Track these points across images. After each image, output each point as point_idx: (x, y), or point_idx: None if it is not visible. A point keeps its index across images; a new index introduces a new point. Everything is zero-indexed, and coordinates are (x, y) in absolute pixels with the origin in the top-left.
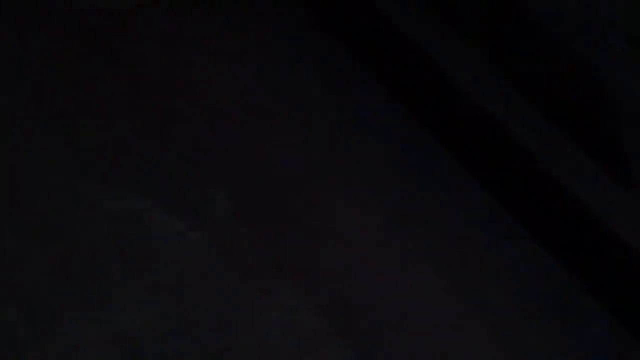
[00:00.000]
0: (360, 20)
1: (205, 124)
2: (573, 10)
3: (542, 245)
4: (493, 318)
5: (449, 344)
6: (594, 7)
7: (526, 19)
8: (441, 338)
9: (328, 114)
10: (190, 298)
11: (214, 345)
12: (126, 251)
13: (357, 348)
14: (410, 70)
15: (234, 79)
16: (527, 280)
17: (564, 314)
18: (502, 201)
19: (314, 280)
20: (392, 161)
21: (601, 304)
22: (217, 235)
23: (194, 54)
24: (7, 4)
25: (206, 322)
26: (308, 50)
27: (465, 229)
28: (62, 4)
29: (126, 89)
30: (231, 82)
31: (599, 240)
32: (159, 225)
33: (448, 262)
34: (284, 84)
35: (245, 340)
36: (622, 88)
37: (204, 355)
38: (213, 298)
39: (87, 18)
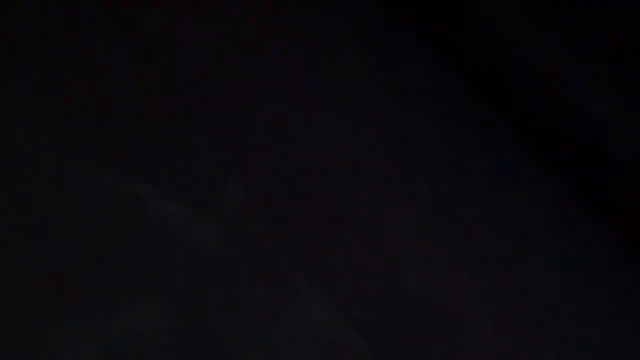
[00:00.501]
0: None
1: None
2: None
3: (624, 247)
4: (551, 323)
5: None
6: None
7: None
8: (504, 345)
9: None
10: (198, 299)
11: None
12: (126, 242)
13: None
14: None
15: (257, 62)
16: (595, 281)
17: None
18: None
19: (343, 282)
20: (432, 138)
21: None
22: (229, 227)
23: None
24: None
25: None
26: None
27: (523, 225)
28: None
29: (134, 63)
30: (255, 67)
31: None
32: (162, 212)
33: (505, 263)
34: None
35: (263, 350)
36: None
37: None
38: (224, 299)
39: None
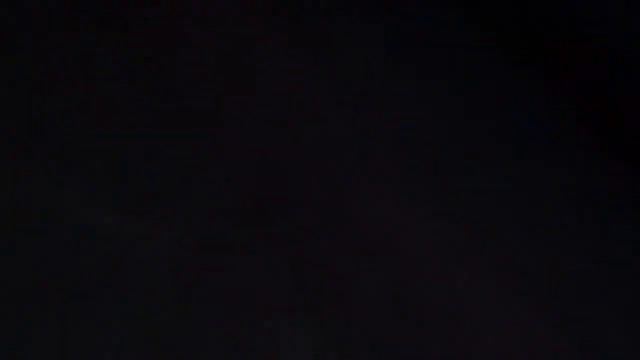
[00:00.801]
0: None
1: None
2: None
3: None
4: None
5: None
6: None
7: None
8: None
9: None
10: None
11: None
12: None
13: None
14: None
15: (256, 62)
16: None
17: None
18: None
19: (347, 310)
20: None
21: None
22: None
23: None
24: None
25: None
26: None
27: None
28: None
29: (133, 63)
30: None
31: None
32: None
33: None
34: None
35: None
36: None
37: None
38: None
39: None
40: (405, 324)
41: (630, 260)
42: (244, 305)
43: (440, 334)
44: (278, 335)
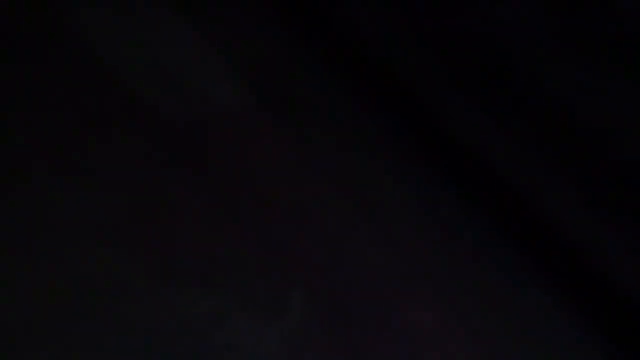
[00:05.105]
0: None
1: (289, 231)
2: None
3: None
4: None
5: None
6: None
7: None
8: None
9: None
10: None
11: None
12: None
13: None
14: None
15: (311, 187)
16: None
17: None
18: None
19: None
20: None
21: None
22: (291, 336)
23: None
24: (93, 116)
25: None
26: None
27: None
28: (145, 114)
29: (207, 195)
30: (308, 190)
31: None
32: (237, 324)
33: None
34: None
35: None
36: None
37: None
38: None
39: (172, 127)
40: None
41: None
42: None
43: None
44: None
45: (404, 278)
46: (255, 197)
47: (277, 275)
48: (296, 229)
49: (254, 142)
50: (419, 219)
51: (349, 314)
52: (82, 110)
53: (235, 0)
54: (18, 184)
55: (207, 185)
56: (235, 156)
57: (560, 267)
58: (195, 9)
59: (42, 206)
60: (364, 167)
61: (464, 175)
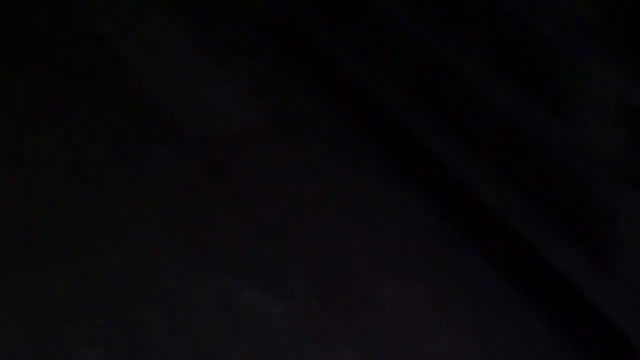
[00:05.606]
0: None
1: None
2: None
3: None
4: None
5: None
6: None
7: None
8: None
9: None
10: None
11: None
12: (228, 322)
13: None
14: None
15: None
16: None
17: None
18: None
19: None
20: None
21: None
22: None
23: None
24: (121, 132)
25: None
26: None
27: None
28: (176, 130)
29: (231, 196)
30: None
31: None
32: (250, 301)
33: None
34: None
35: None
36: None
37: None
38: None
39: (203, 142)
40: None
41: None
42: None
43: None
44: None
45: (383, 262)
46: (267, 195)
47: (279, 260)
48: (296, 221)
49: (267, 151)
50: (396, 211)
51: (339, 293)
52: (129, 127)
53: (256, 49)
54: (76, 184)
55: (230, 188)
56: (253, 163)
57: (521, 258)
58: (226, 57)
59: (101, 205)
60: (354, 172)
61: (445, 194)
